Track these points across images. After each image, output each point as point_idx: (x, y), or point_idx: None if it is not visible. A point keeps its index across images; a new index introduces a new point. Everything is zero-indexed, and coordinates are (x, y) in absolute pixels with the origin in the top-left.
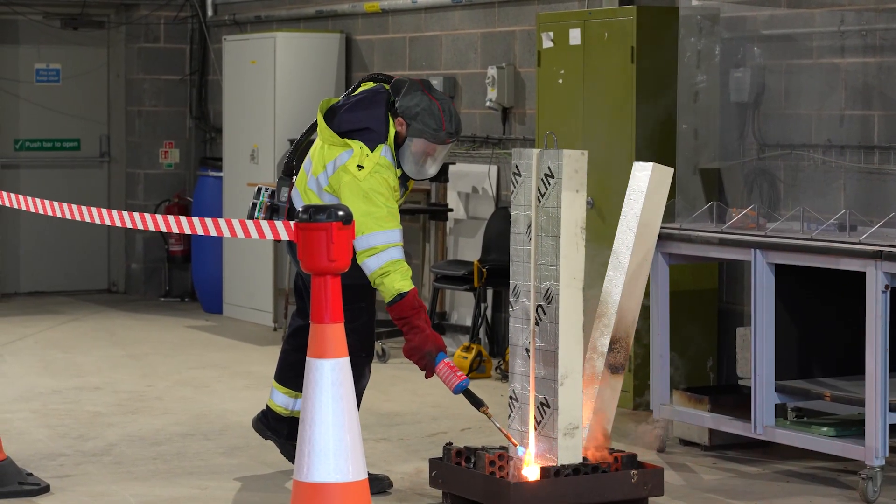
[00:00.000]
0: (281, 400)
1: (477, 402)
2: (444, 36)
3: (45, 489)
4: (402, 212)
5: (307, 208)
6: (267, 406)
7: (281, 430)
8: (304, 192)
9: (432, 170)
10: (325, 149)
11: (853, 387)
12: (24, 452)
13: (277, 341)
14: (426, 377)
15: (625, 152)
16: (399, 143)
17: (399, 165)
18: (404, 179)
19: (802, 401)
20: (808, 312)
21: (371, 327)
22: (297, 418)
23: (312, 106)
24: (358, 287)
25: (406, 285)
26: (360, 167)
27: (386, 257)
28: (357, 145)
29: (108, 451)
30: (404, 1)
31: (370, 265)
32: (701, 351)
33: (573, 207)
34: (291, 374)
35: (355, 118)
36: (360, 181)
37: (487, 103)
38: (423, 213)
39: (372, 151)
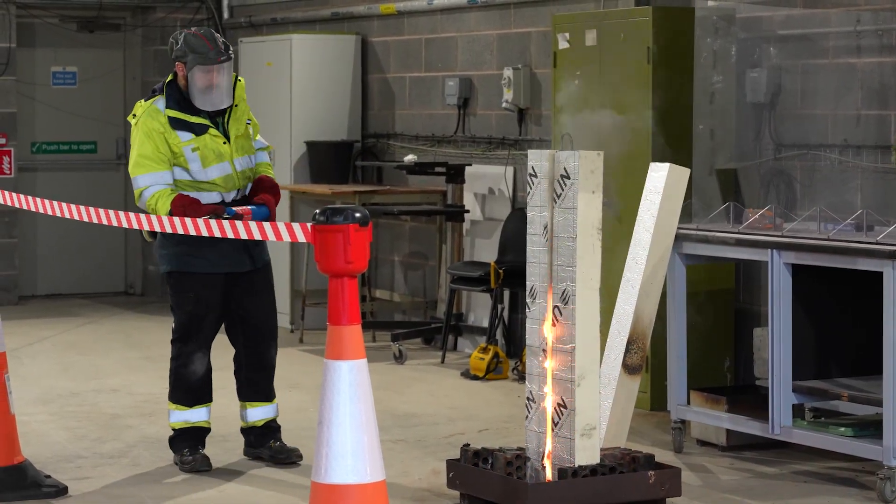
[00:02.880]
0: (241, 414)
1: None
2: (460, 37)
3: (63, 491)
4: (419, 213)
5: (324, 210)
6: (243, 429)
7: (248, 439)
8: None
9: (222, 99)
10: None
11: (871, 387)
12: (42, 454)
13: (294, 343)
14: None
15: (641, 153)
16: (186, 87)
17: (193, 109)
18: (213, 119)
19: (820, 401)
20: (825, 312)
21: (184, 314)
22: (255, 425)
23: (329, 108)
24: (188, 275)
25: (168, 202)
26: (134, 115)
27: (147, 194)
28: (137, 103)
29: (126, 453)
30: (420, 2)
31: (143, 200)
32: (718, 351)
33: (589, 208)
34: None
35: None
36: (134, 127)
37: (503, 104)
38: (439, 214)
39: (145, 101)
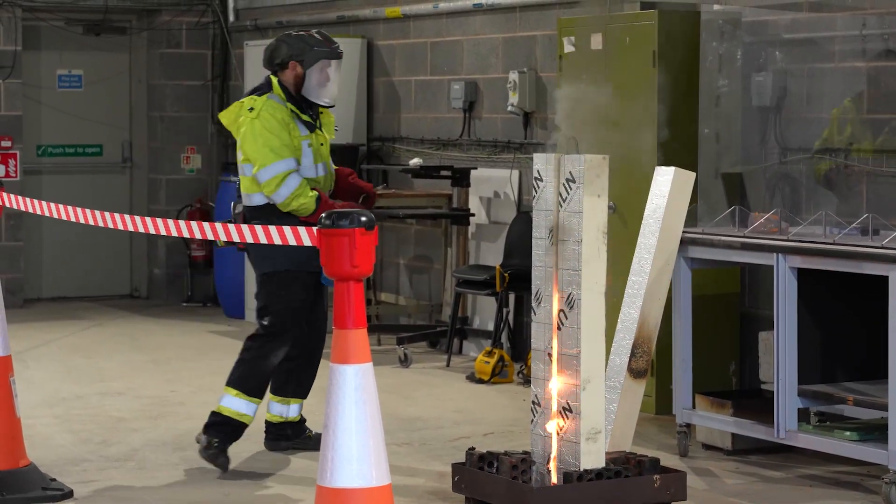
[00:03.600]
0: (277, 409)
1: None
2: (466, 41)
3: (68, 494)
4: (425, 217)
5: (330, 214)
6: (266, 422)
7: (285, 433)
8: (241, 182)
9: (335, 89)
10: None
11: (876, 391)
12: (47, 458)
13: None
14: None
15: (647, 157)
16: (299, 85)
17: (301, 107)
18: (315, 116)
19: (825, 405)
20: (830, 316)
21: (288, 311)
22: (292, 421)
23: (334, 111)
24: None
25: (312, 202)
26: (251, 109)
27: (293, 183)
28: (247, 99)
29: (132, 457)
30: (426, 6)
31: (281, 193)
32: (723, 355)
33: (595, 212)
34: (287, 382)
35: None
36: (254, 119)
37: (509, 108)
38: (444, 217)
39: (258, 97)
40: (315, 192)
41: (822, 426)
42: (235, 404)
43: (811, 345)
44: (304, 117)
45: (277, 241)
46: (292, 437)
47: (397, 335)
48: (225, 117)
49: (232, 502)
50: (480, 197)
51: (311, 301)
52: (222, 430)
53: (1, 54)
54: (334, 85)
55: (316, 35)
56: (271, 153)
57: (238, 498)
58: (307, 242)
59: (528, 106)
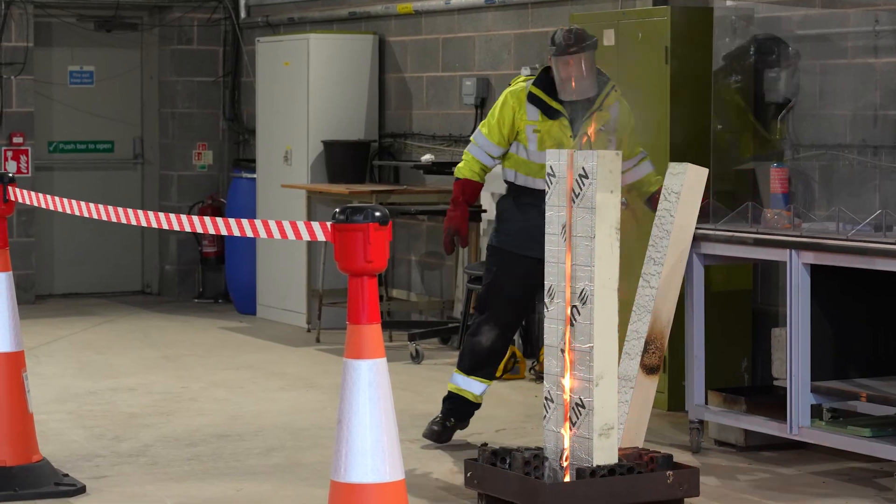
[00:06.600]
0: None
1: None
2: (478, 37)
3: (81, 490)
4: (436, 213)
5: (344, 209)
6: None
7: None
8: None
9: (578, 91)
10: None
11: (889, 387)
12: (60, 453)
13: (311, 342)
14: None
15: (659, 153)
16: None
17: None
18: (573, 110)
19: (838, 401)
20: (843, 313)
21: (489, 289)
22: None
23: (346, 107)
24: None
25: (461, 172)
26: (510, 84)
27: (469, 149)
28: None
29: (144, 452)
30: (437, 2)
31: (467, 150)
32: (736, 352)
33: (608, 208)
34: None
35: None
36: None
37: None
38: None
39: (523, 76)
40: (474, 174)
41: (834, 422)
42: (452, 379)
43: (824, 341)
44: (554, 104)
45: (291, 236)
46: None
47: (409, 331)
48: None
49: (245, 497)
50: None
51: (514, 282)
52: (446, 404)
53: (13, 51)
54: (576, 82)
55: (564, 31)
56: (483, 124)
57: (250, 493)
58: (321, 238)
59: None
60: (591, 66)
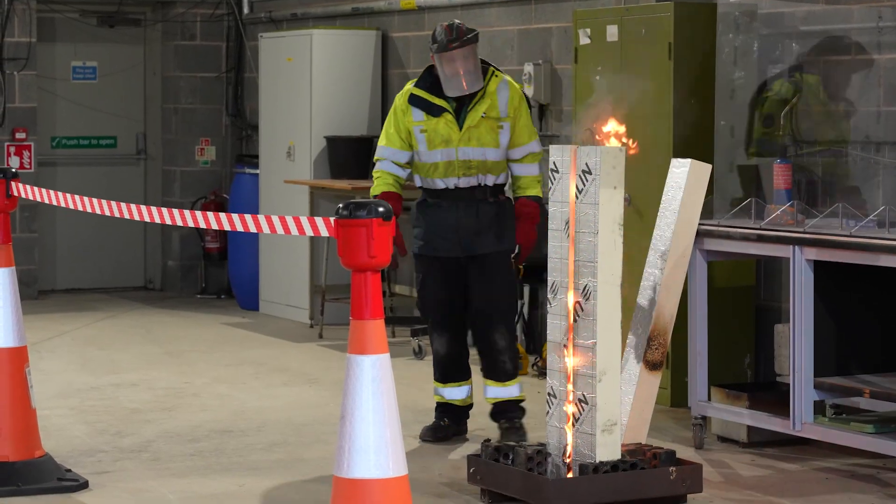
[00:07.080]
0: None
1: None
2: (481, 32)
3: (83, 485)
4: None
5: (347, 205)
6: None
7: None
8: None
9: (462, 85)
10: None
11: (892, 383)
12: (62, 448)
13: (314, 338)
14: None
15: (663, 149)
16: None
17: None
18: (459, 107)
19: (841, 398)
20: (846, 309)
21: (421, 297)
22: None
23: (349, 103)
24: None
25: (376, 190)
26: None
27: (377, 167)
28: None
29: (146, 448)
30: None
31: (375, 168)
32: (739, 348)
33: (611, 204)
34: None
35: None
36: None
37: None
38: None
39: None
40: (387, 186)
41: (837, 419)
42: (439, 391)
43: (827, 337)
44: (437, 101)
45: (294, 231)
46: (492, 420)
47: (412, 327)
48: None
49: (247, 493)
50: None
51: (438, 286)
52: (436, 411)
53: (16, 46)
54: (459, 78)
55: (444, 27)
56: (381, 136)
57: (253, 488)
58: (324, 233)
59: (544, 98)
60: (475, 58)
